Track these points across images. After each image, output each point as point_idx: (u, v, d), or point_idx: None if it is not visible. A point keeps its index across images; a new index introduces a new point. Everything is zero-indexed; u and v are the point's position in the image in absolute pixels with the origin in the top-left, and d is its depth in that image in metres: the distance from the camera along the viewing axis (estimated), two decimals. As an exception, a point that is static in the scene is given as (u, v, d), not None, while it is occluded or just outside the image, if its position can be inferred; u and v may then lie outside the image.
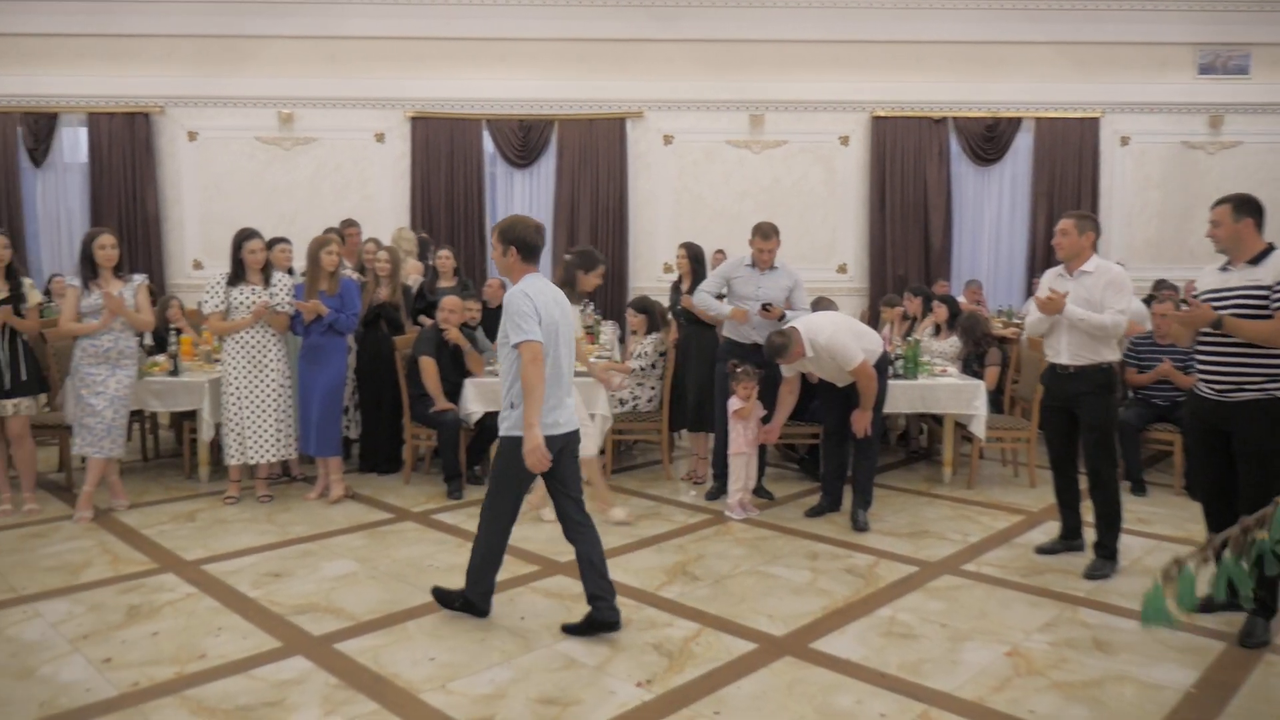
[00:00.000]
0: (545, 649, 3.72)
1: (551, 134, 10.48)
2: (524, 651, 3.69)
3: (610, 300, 10.27)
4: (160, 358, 6.37)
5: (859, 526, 5.34)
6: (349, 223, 7.60)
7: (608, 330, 8.86)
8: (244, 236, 5.75)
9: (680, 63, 10.44)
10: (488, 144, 10.56)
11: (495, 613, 4.05)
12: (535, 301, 3.70)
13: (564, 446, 3.83)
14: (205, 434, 6.10)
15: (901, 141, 10.43)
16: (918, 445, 7.51)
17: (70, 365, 5.62)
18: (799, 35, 10.37)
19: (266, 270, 5.81)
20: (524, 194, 10.73)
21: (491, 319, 7.62)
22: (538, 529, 5.30)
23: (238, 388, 5.72)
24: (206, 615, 4.02)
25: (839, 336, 5.19)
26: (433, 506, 5.79)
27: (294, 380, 5.93)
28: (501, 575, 4.47)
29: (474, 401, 6.10)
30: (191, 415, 6.26)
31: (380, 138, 10.55)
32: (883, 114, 10.46)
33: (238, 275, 5.75)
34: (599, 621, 3.81)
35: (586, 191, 10.35)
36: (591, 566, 3.84)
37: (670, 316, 6.90)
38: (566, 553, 4.84)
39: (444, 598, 4.09)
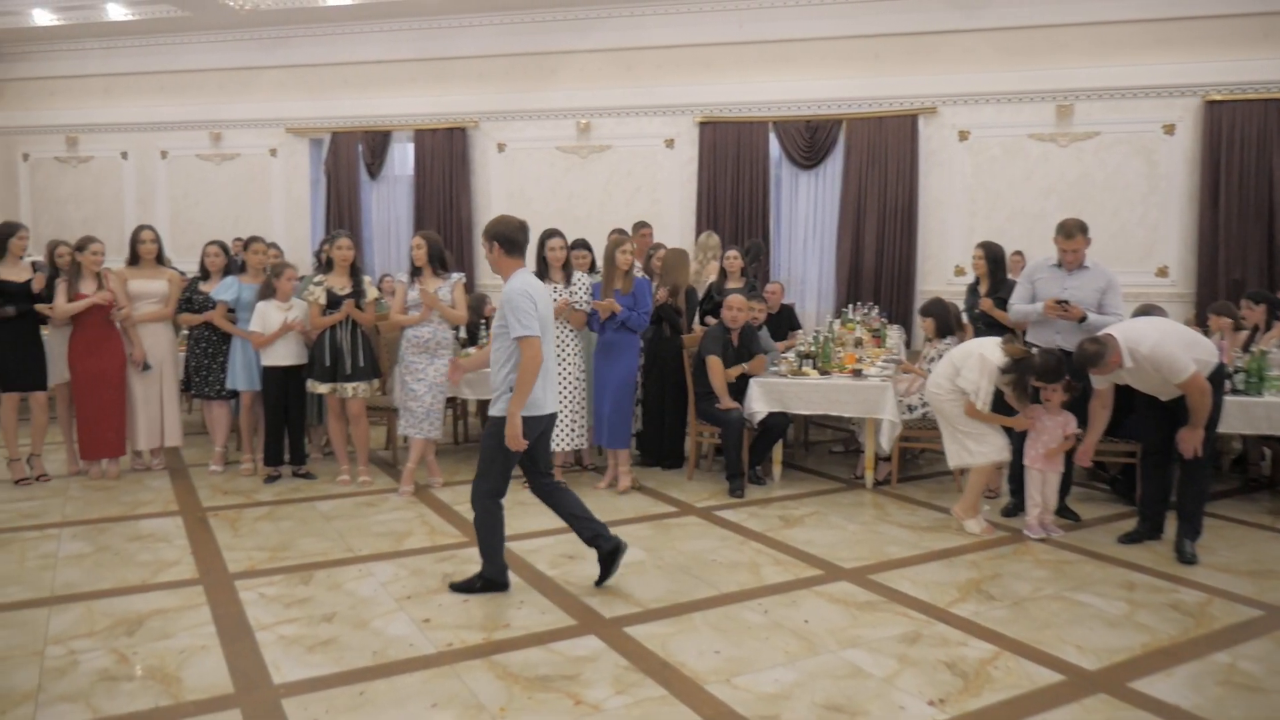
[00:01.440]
0: (830, 655, 3.63)
1: (839, 134, 10.29)
2: (808, 654, 3.62)
3: (897, 303, 9.92)
4: (472, 350, 6.94)
5: (1186, 559, 4.75)
6: (641, 224, 7.87)
7: (894, 334, 8.55)
8: (547, 235, 6.13)
9: (980, 54, 9.87)
10: (774, 146, 10.56)
11: (779, 614, 4.02)
12: (535, 297, 4.02)
13: (545, 427, 4.22)
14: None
15: (1242, 128, 9.19)
16: (1258, 472, 6.58)
17: (397, 354, 6.27)
18: (1118, 15, 9.44)
19: (567, 268, 6.15)
20: (809, 195, 10.61)
21: (774, 322, 7.63)
22: (824, 532, 5.21)
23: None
24: (511, 589, 4.30)
25: (1165, 345, 4.64)
26: (714, 503, 5.86)
27: (589, 375, 6.24)
28: (784, 577, 4.46)
29: (758, 401, 6.10)
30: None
31: (670, 143, 10.87)
32: (1219, 98, 9.28)
33: (541, 273, 6.14)
34: (611, 552, 4.28)
35: (874, 191, 10.05)
36: (574, 518, 4.31)
37: (966, 320, 6.53)
38: (851, 558, 4.74)
39: (464, 585, 4.26)
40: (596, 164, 11.14)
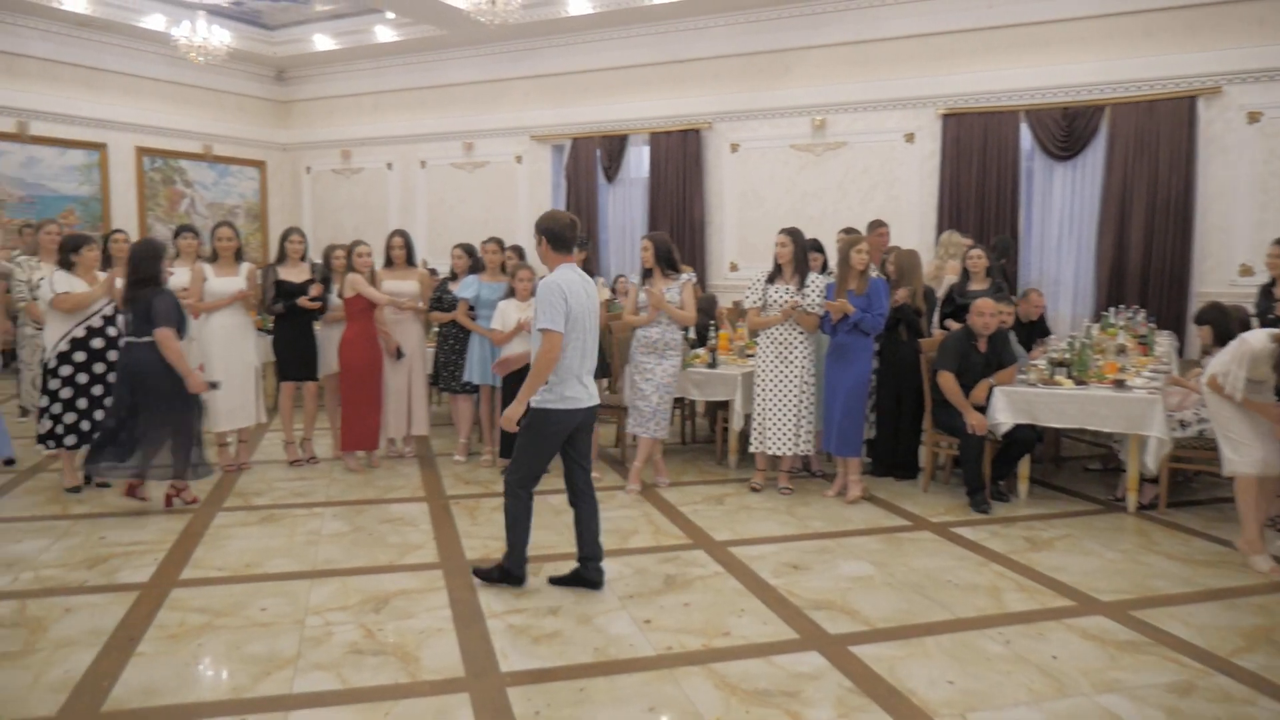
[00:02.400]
0: (1083, 698, 3.26)
1: (1100, 121, 9.39)
2: (1057, 695, 3.28)
3: (1167, 307, 8.92)
4: (701, 350, 6.93)
5: None
6: (878, 223, 7.55)
7: (1164, 341, 7.70)
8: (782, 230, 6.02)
9: (1274, 23, 8.68)
10: (1025, 137, 9.82)
11: (1022, 646, 3.68)
12: (566, 292, 4.05)
13: (583, 421, 4.25)
14: (736, 424, 6.50)
15: None
16: None
17: (628, 353, 6.36)
18: None
19: (801, 269, 5.99)
20: (1064, 188, 9.77)
21: (1024, 329, 7.06)
22: (1077, 558, 4.75)
23: (765, 381, 6.00)
24: (731, 595, 4.23)
25: None
26: (952, 518, 5.50)
27: (819, 378, 6.05)
28: (1030, 605, 4.10)
29: (1003, 411, 5.67)
30: (725, 405, 6.72)
31: (910, 138, 10.39)
32: None
33: (777, 273, 6.02)
34: (584, 579, 4.30)
35: (1142, 183, 9.08)
36: (588, 531, 4.32)
37: (1256, 327, 5.74)
38: (1108, 590, 4.29)
39: (483, 572, 4.36)
40: (831, 161, 10.85)
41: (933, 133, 10.24)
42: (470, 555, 4.77)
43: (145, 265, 5.28)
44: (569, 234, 4.24)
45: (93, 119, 12.48)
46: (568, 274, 4.17)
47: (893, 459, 6.44)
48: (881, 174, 10.59)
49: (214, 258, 6.34)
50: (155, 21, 11.99)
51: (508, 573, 4.31)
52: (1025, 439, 5.76)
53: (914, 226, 10.19)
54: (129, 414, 5.25)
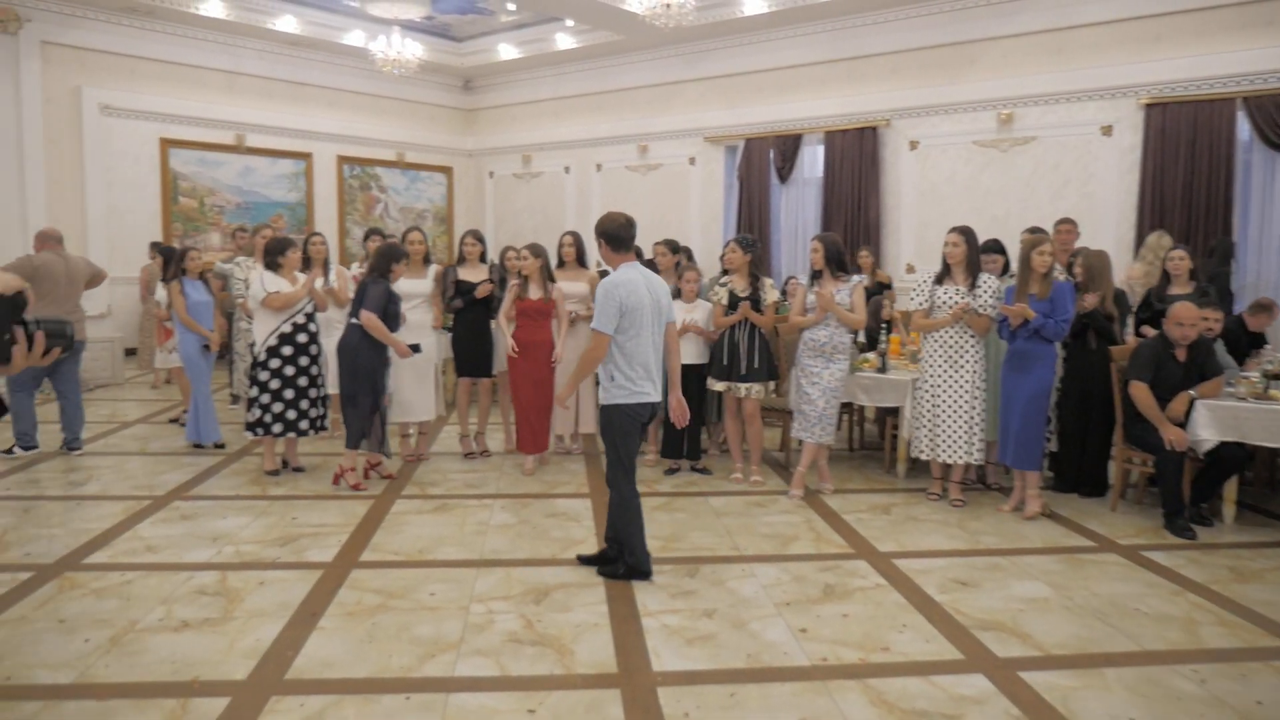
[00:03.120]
0: (1291, 749, 2.93)
1: (1334, 107, 8.46)
2: (1259, 743, 2.96)
3: None
4: (870, 355, 6.72)
5: None
6: (1064, 221, 7.09)
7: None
8: (952, 229, 5.76)
9: None
10: (1242, 126, 8.96)
11: (1220, 688, 3.35)
12: (622, 292, 4.19)
13: (653, 414, 4.40)
14: (906, 431, 6.26)
15: None
16: None
17: (794, 356, 6.26)
18: None
19: (973, 269, 5.71)
20: (1288, 183, 8.87)
21: (1232, 339, 6.45)
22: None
23: (933, 385, 5.76)
24: (893, 609, 4.07)
25: None
26: (1143, 541, 5.08)
27: (991, 385, 5.75)
28: (1232, 642, 3.74)
29: (1207, 427, 5.19)
30: (894, 411, 6.49)
31: (1107, 130, 9.70)
32: None
33: (945, 274, 5.77)
34: (609, 558, 4.45)
35: (1383, 176, 8.12)
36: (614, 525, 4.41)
37: None
38: (1328, 631, 3.83)
39: (608, 571, 4.40)
40: (1018, 157, 10.29)
41: (1134, 124, 9.54)
42: (629, 553, 4.83)
43: (380, 261, 5.99)
44: (626, 234, 4.41)
45: (300, 130, 13.51)
46: (628, 273, 4.32)
47: (1078, 474, 6.03)
48: (1074, 170, 9.95)
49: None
50: (355, 38, 12.85)
51: (634, 569, 4.37)
52: (1233, 458, 5.25)
53: (1109, 226, 9.54)
54: (349, 391, 5.92)
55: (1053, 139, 10.09)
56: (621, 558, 4.41)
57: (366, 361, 5.87)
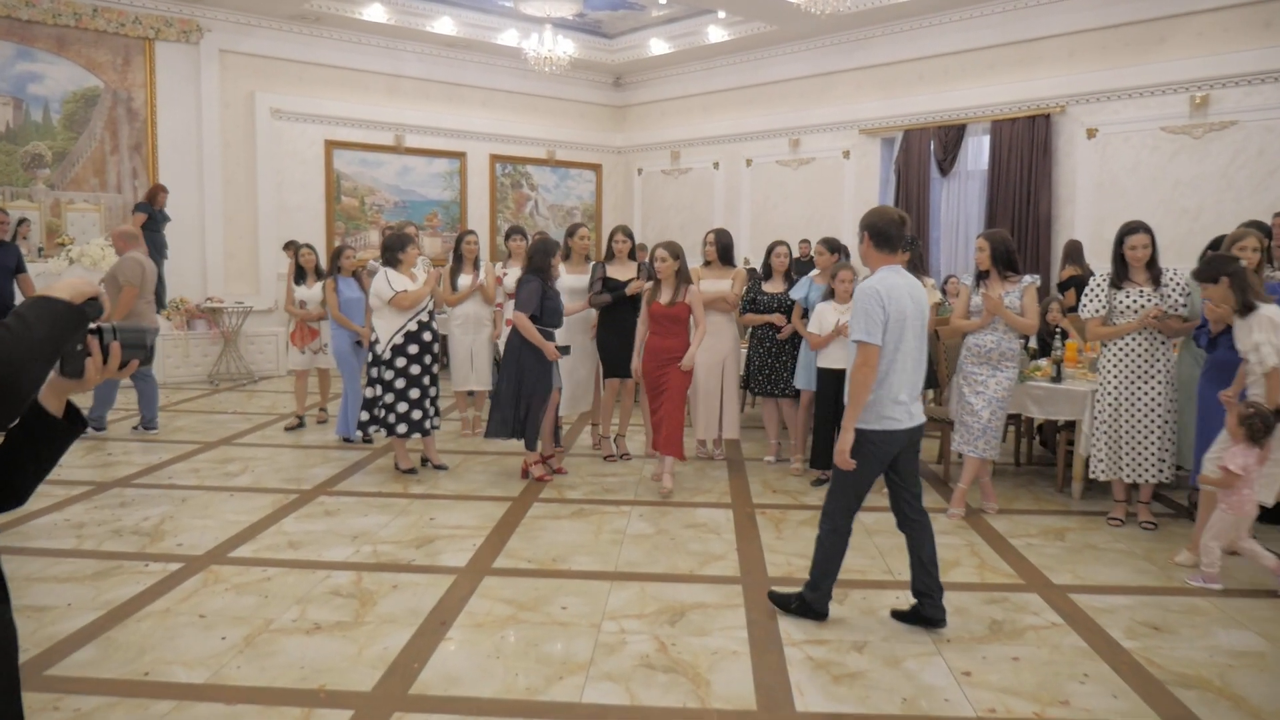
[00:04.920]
0: None
1: None
2: None
3: None
4: (1043, 362, 6.14)
5: None
6: (1280, 215, 6.26)
7: None
8: (1127, 232, 5.18)
9: None
10: None
11: None
12: (885, 298, 3.60)
13: (906, 443, 3.78)
14: (1084, 448, 5.67)
15: None
16: None
17: (956, 363, 5.77)
18: None
19: (1153, 268, 5.10)
20: None
21: None
22: None
23: (1116, 398, 5.18)
24: (1072, 654, 3.60)
25: None
26: (1376, 586, 4.36)
27: (1181, 396, 5.12)
28: None
29: None
30: (1069, 425, 5.90)
31: (1323, 113, 8.61)
32: None
33: (1120, 275, 5.18)
34: (924, 617, 3.80)
35: None
36: (920, 563, 3.84)
37: None
38: None
39: (780, 600, 3.96)
40: (1214, 144, 9.29)
41: (1358, 105, 8.41)
42: (772, 572, 4.51)
43: (537, 257, 5.99)
44: (896, 232, 3.75)
45: (455, 130, 13.78)
46: (891, 278, 3.71)
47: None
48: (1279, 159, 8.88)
49: (567, 256, 6.66)
50: (509, 37, 12.97)
51: (808, 606, 3.90)
52: None
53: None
54: (512, 387, 5.95)
55: (1256, 123, 9.03)
56: (801, 591, 3.94)
57: (530, 361, 5.89)
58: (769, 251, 6.85)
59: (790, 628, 3.83)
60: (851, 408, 3.66)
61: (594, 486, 6.09)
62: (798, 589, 3.99)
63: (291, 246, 10.99)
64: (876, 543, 4.96)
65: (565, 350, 6.05)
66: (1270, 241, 5.12)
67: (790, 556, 4.73)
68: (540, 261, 5.96)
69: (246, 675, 3.34)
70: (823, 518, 3.91)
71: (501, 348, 7.25)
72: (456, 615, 3.91)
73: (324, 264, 8.42)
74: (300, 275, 7.74)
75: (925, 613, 3.82)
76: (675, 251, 6.06)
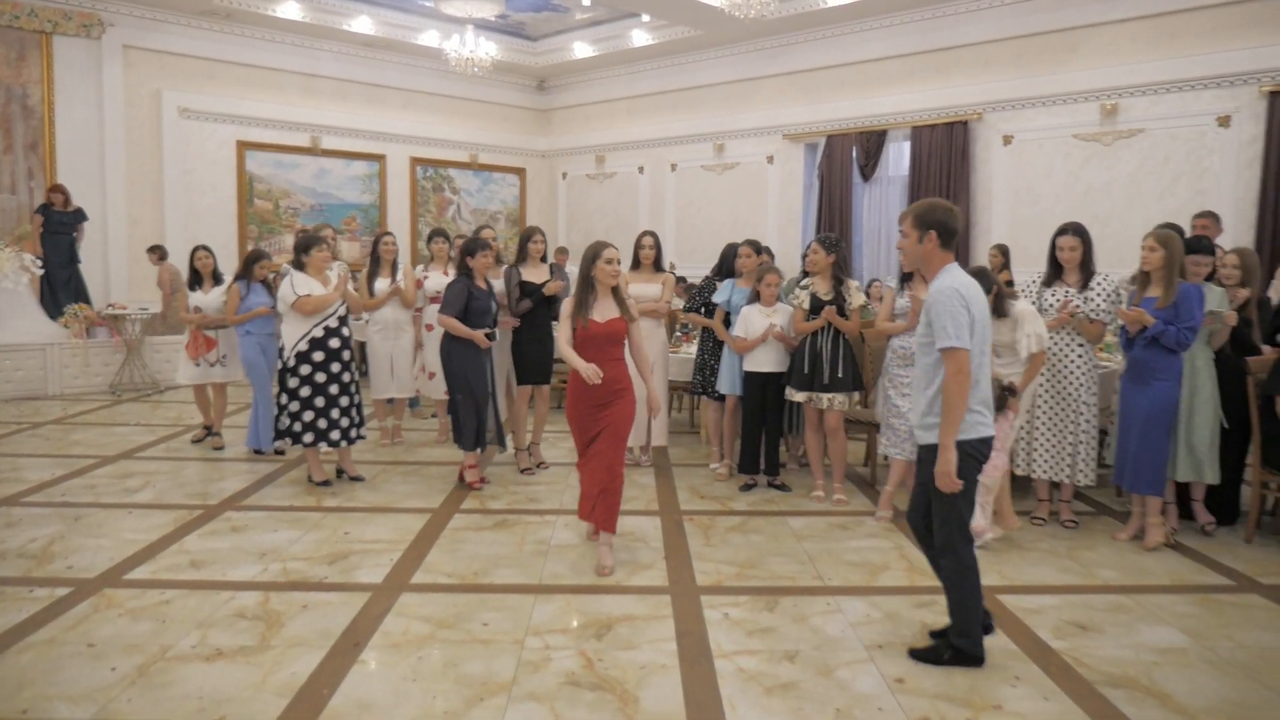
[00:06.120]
0: None
1: None
2: None
3: None
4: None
5: None
6: (1203, 215, 6.44)
7: None
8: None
9: None
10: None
11: None
12: (967, 299, 3.32)
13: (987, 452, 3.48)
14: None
15: None
16: None
17: (881, 365, 5.76)
18: None
19: (1086, 270, 5.19)
20: None
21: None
22: None
23: (1032, 396, 5.27)
24: (1002, 657, 3.56)
25: None
26: (1288, 580, 4.46)
27: (1092, 400, 5.20)
28: None
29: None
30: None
31: (1224, 121, 8.91)
32: None
33: (1053, 275, 5.27)
34: (955, 650, 3.47)
35: None
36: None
37: None
38: None
39: (930, 655, 3.50)
40: (1123, 152, 9.56)
41: (1255, 114, 8.75)
42: (701, 580, 4.40)
43: (460, 260, 5.99)
44: (957, 225, 3.49)
45: (374, 132, 13.44)
46: (961, 275, 3.44)
47: (1209, 501, 5.39)
48: (1186, 165, 9.19)
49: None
50: (430, 38, 12.70)
51: (961, 653, 3.45)
52: (1394, 487, 4.58)
53: (1225, 226, 8.73)
54: (466, 394, 5.89)
55: (1162, 131, 9.33)
56: (946, 638, 3.53)
57: (459, 363, 5.85)
58: (731, 255, 6.52)
59: (721, 639, 3.72)
60: (950, 424, 3.32)
61: (517, 496, 5.90)
62: (940, 630, 3.61)
63: (157, 251, 10.52)
64: (806, 548, 4.89)
65: (492, 336, 5.99)
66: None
67: (719, 564, 4.63)
68: (462, 263, 5.99)
69: (138, 709, 3.09)
70: (941, 553, 3.49)
71: (428, 357, 7.02)
72: (371, 635, 3.70)
73: (231, 268, 8.02)
74: (196, 280, 7.24)
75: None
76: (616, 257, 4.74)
